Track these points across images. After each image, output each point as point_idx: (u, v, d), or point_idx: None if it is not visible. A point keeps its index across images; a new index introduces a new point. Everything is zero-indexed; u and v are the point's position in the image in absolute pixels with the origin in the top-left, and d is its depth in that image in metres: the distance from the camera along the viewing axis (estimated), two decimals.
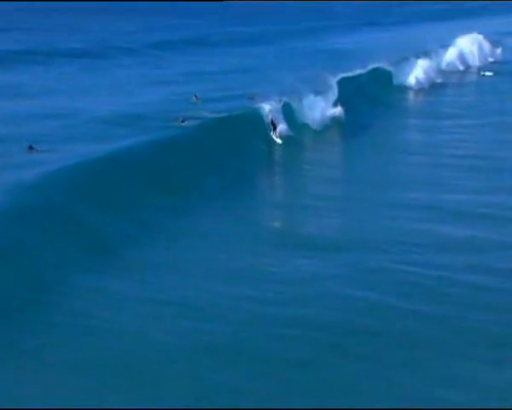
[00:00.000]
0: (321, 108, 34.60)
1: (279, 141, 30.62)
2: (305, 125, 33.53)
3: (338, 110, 34.79)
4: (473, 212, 20.86)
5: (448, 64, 53.51)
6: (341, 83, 37.57)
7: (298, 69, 53.68)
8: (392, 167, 27.58)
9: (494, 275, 15.94)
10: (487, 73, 52.55)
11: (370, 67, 44.02)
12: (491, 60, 58.69)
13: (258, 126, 31.27)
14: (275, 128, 30.70)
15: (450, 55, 54.53)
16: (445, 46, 55.35)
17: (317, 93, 35.46)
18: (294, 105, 33.95)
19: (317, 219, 20.90)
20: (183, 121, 32.07)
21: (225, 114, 32.19)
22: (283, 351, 12.92)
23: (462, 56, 55.67)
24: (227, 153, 27.65)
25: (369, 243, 18.02)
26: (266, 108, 32.13)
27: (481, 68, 54.57)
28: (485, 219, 20.06)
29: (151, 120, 33.25)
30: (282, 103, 33.24)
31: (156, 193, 22.50)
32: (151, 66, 57.34)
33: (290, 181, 27.29)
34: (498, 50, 60.52)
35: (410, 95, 45.15)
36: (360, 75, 42.52)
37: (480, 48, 58.40)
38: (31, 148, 27.18)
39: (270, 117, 31.07)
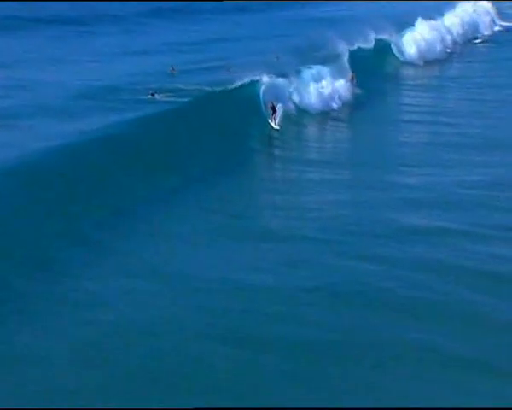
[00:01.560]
0: (318, 86, 30.85)
1: (277, 127, 26.60)
2: (303, 105, 29.87)
3: (338, 86, 31.33)
4: (450, 198, 19.11)
5: (450, 32, 49.97)
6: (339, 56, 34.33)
7: (287, 38, 51.98)
8: (384, 148, 25.30)
9: (445, 274, 13.96)
10: (478, 41, 50.88)
11: (371, 38, 40.20)
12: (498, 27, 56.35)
13: (253, 104, 27.55)
14: (274, 112, 26.60)
15: (452, 23, 51.19)
16: (444, 13, 52.37)
17: (316, 67, 32.17)
18: (293, 81, 30.12)
19: (285, 207, 19.13)
20: (152, 94, 30.40)
21: (216, 90, 28.53)
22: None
23: (463, 25, 52.65)
24: (214, 134, 24.52)
25: (323, 233, 16.25)
26: (262, 85, 28.25)
27: (481, 37, 52.43)
28: (462, 207, 18.27)
29: (122, 93, 31.59)
30: (279, 79, 29.25)
31: (133, 179, 19.84)
32: (135, 34, 55.34)
33: (275, 168, 24.37)
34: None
35: (411, 68, 42.19)
36: (362, 49, 38.66)
37: (480, 16, 55.80)
38: None
39: (270, 102, 26.82)
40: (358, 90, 32.63)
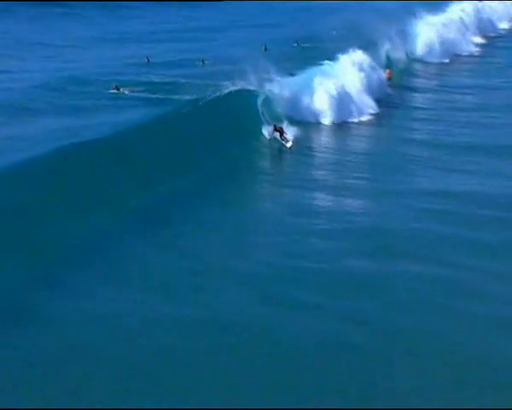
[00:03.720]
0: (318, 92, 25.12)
1: (290, 144, 21.66)
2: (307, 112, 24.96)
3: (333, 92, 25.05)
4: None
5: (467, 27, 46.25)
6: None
7: (282, 28, 49.47)
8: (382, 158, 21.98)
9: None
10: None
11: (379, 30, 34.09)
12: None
13: (249, 111, 23.17)
14: (281, 133, 21.95)
15: (468, 17, 47.64)
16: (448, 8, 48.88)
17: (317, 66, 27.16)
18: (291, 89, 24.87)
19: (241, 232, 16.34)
20: (118, 89, 27.86)
21: (212, 95, 23.24)
22: None
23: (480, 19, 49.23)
24: (205, 144, 20.37)
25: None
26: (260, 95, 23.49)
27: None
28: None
29: (87, 86, 28.96)
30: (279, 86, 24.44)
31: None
32: (120, 19, 52.96)
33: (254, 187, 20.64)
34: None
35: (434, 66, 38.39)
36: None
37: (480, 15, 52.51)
38: None
39: (272, 125, 22.13)
40: (391, 90, 28.30)
